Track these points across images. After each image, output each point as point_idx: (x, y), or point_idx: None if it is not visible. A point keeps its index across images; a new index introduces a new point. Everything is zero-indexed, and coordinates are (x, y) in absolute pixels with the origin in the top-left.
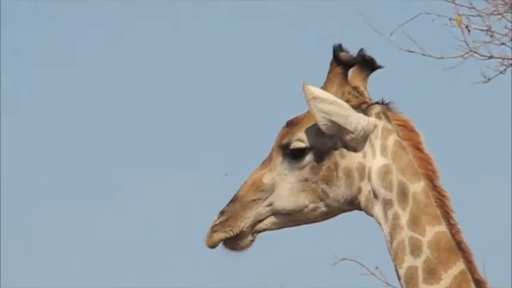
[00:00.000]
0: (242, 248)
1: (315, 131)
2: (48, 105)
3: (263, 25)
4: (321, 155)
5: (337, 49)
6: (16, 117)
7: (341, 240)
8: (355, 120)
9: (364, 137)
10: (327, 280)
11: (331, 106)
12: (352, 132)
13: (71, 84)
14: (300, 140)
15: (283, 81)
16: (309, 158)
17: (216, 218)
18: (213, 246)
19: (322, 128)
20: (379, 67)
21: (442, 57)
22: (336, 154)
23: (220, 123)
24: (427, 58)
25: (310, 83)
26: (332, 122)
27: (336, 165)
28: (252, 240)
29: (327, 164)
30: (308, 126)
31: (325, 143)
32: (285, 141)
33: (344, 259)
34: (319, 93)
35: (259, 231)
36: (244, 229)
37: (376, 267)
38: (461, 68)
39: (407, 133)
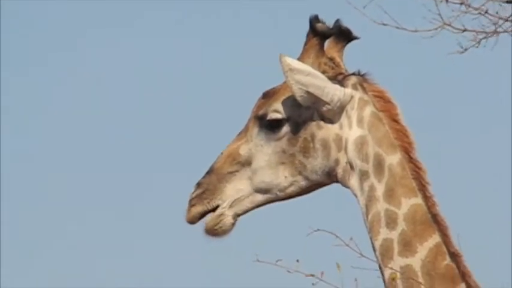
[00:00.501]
0: (224, 232)
1: (291, 102)
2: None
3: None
4: (297, 126)
5: (314, 20)
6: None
7: (316, 211)
8: (332, 92)
9: (341, 108)
10: (301, 251)
11: (308, 77)
12: (329, 104)
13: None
14: (277, 111)
15: (259, 54)
16: (285, 129)
17: (192, 191)
18: (192, 221)
19: (299, 99)
20: (355, 38)
21: (416, 31)
22: (313, 125)
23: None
24: (401, 31)
25: (287, 54)
26: (309, 93)
27: (313, 137)
28: (233, 224)
29: (303, 135)
30: (285, 97)
31: (302, 114)
32: (261, 112)
33: (318, 230)
34: (295, 64)
35: (239, 214)
36: (222, 203)
37: (351, 239)
38: (436, 40)
39: (384, 104)
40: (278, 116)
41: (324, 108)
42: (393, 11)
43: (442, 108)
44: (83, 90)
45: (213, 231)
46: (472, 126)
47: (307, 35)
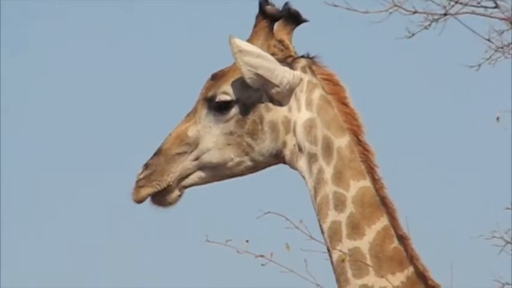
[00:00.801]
0: (170, 204)
1: (240, 84)
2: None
3: None
4: (246, 108)
5: (263, 3)
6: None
7: (266, 193)
8: (281, 74)
9: (290, 91)
10: (251, 233)
11: (257, 59)
12: (278, 86)
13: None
14: (226, 93)
15: (208, 37)
16: (234, 111)
17: (140, 172)
18: (140, 201)
19: (248, 81)
20: (304, 21)
21: (367, 12)
22: (262, 107)
23: None
24: (352, 12)
25: (236, 36)
26: (258, 75)
27: (261, 119)
28: (179, 196)
29: (252, 117)
30: (234, 79)
31: (251, 96)
32: (210, 94)
33: (268, 212)
34: (245, 46)
35: (186, 187)
36: (171, 183)
37: (300, 221)
38: (386, 23)
39: (333, 87)
40: (227, 97)
41: (273, 91)
42: None
43: (391, 91)
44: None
45: (159, 202)
46: (420, 109)
47: (257, 17)
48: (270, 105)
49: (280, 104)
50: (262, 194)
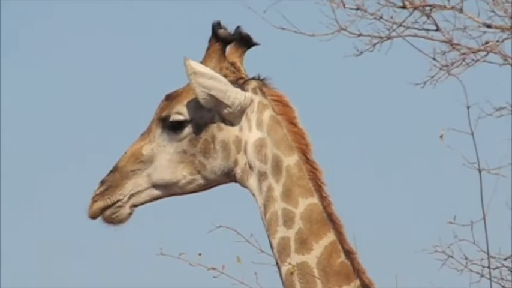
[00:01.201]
0: (120, 221)
1: (194, 105)
2: None
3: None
4: (199, 128)
5: (216, 26)
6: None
7: (218, 208)
8: (233, 95)
9: (241, 111)
10: (204, 246)
11: (211, 81)
12: (230, 107)
13: None
14: (179, 113)
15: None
16: (187, 130)
17: (96, 188)
18: (93, 216)
19: (202, 101)
20: (255, 44)
21: (313, 35)
22: (214, 127)
23: None
24: (300, 35)
25: (191, 58)
26: (211, 96)
27: (214, 138)
28: (130, 214)
29: (204, 136)
30: (187, 100)
31: (203, 116)
32: (164, 113)
33: (220, 226)
34: (199, 68)
35: (136, 205)
36: (122, 198)
37: (251, 235)
38: (334, 42)
39: (282, 108)
40: (181, 117)
41: (225, 111)
42: (292, 17)
43: (340, 109)
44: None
45: (110, 219)
46: (367, 126)
47: (210, 40)
48: (222, 125)
49: (232, 124)
50: (214, 209)
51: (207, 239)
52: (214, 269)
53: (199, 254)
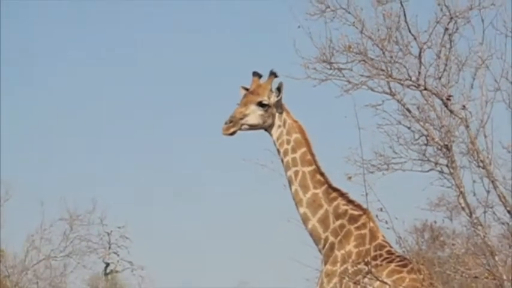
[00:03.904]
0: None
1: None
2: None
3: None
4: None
5: (273, 72)
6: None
7: None
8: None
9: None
10: None
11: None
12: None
13: None
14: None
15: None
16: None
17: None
18: (229, 134)
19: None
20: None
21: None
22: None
23: None
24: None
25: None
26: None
27: (273, 115)
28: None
29: (271, 111)
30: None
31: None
32: (259, 99)
33: None
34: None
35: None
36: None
37: None
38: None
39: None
40: (266, 101)
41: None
42: None
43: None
44: None
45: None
46: None
47: (269, 76)
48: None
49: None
50: None
51: None
52: None
53: None
